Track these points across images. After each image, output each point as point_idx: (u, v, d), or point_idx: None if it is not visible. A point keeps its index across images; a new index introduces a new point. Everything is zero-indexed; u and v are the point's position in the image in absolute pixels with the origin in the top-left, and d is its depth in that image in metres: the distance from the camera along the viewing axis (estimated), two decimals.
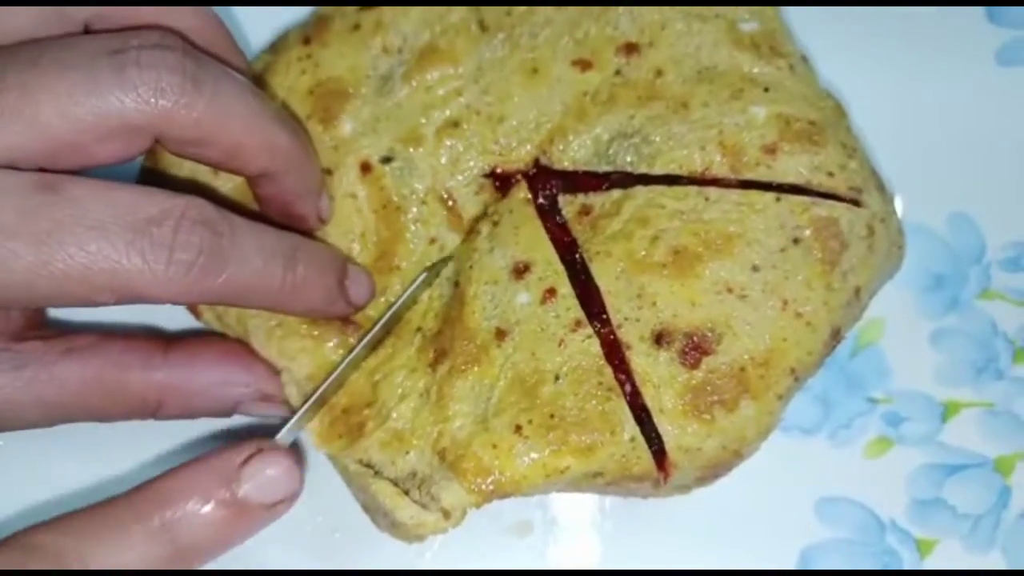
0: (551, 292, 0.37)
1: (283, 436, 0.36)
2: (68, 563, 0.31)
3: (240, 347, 0.39)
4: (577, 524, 0.40)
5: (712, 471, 0.36)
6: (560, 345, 0.36)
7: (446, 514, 0.35)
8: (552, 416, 0.35)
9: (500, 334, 0.37)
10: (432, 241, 0.39)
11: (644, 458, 0.35)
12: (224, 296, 0.34)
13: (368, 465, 0.37)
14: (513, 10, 0.41)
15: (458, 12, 0.41)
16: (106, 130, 0.32)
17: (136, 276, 0.32)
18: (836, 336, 0.37)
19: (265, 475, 0.34)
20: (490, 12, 0.41)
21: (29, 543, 0.32)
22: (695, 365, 0.36)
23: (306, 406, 0.37)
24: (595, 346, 0.36)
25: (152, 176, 0.40)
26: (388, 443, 0.37)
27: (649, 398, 0.36)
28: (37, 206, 0.31)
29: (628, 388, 0.36)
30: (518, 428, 0.35)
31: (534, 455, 0.35)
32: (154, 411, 0.38)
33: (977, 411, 0.40)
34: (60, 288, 0.31)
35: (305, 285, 0.36)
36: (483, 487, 0.35)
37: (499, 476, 0.35)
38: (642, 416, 0.36)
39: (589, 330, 0.36)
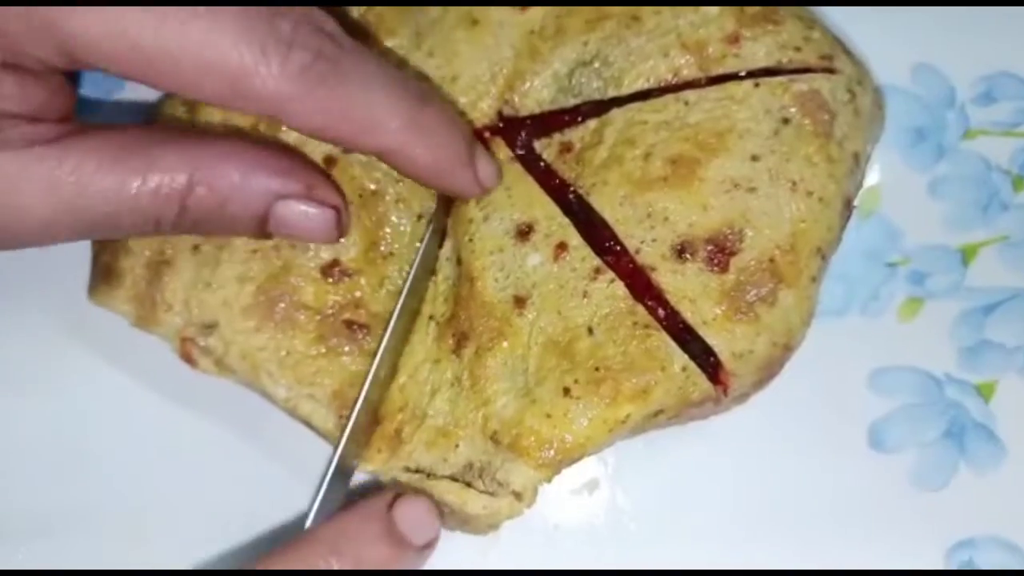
0: (562, 247, 0.35)
1: (337, 461, 0.34)
2: None
3: (283, 145, 0.35)
4: (639, 463, 0.38)
5: (768, 371, 0.35)
6: (584, 298, 0.35)
7: (518, 496, 0.33)
8: (597, 369, 0.34)
9: (519, 302, 0.35)
10: (419, 217, 0.37)
11: (700, 382, 0.34)
12: (336, 119, 0.31)
13: (418, 470, 0.35)
14: None
15: None
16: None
17: (250, 65, 0.29)
18: (848, 206, 0.37)
19: (414, 515, 0.33)
20: None
21: None
22: (724, 268, 0.34)
23: (353, 414, 0.34)
24: (620, 288, 0.35)
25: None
26: (433, 442, 0.35)
27: (689, 314, 0.34)
28: None
29: (664, 312, 0.34)
30: (566, 391, 0.34)
31: (591, 413, 0.33)
32: (184, 199, 0.31)
33: (994, 247, 0.39)
34: (170, 56, 0.29)
35: (432, 132, 0.32)
36: (550, 459, 0.33)
37: (562, 443, 0.33)
38: (686, 336, 0.34)
39: (610, 274, 0.35)
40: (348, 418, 0.34)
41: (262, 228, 0.33)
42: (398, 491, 0.34)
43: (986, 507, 0.37)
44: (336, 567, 0.31)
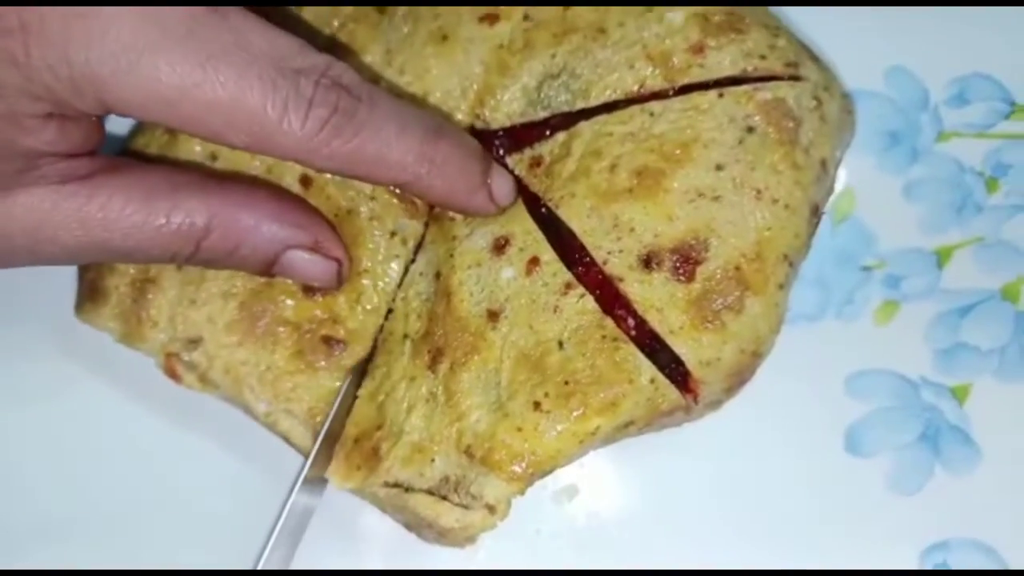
0: (534, 261, 0.36)
1: (308, 472, 0.35)
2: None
3: (296, 195, 0.37)
4: (618, 468, 0.39)
5: (737, 378, 0.35)
6: (555, 312, 0.35)
7: (491, 509, 0.34)
8: (567, 383, 0.34)
9: (492, 316, 0.35)
10: (393, 234, 0.38)
11: (669, 392, 0.34)
12: (352, 163, 0.33)
13: (396, 485, 0.35)
14: None
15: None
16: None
17: (273, 124, 0.32)
18: (816, 212, 0.37)
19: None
20: None
21: None
22: (690, 278, 0.35)
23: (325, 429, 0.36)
24: (590, 303, 0.35)
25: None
26: (409, 458, 0.35)
27: (656, 323, 0.34)
28: (204, 25, 0.31)
29: (632, 323, 0.35)
30: (537, 405, 0.34)
31: (560, 426, 0.34)
32: (199, 240, 0.34)
33: (969, 249, 0.39)
34: (199, 115, 0.31)
35: (445, 163, 0.34)
36: (521, 473, 0.34)
37: (533, 457, 0.34)
38: (655, 346, 0.34)
39: (580, 289, 0.35)
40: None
41: (268, 270, 0.36)
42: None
43: (961, 510, 0.37)
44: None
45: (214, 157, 0.38)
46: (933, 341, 0.39)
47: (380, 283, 0.38)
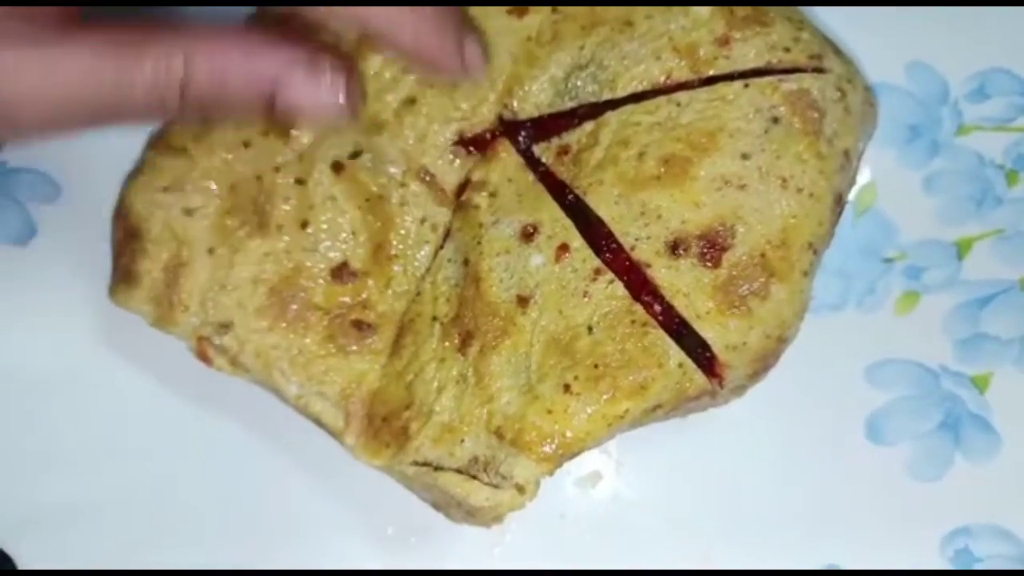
0: (564, 248, 0.36)
1: None
2: None
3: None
4: (642, 455, 0.39)
5: (762, 363, 0.36)
6: (585, 297, 0.36)
7: (520, 489, 0.34)
8: (596, 366, 0.35)
9: (522, 301, 0.36)
10: (423, 221, 0.39)
11: (696, 377, 0.35)
12: None
13: (425, 463, 0.36)
14: None
15: None
16: None
17: None
18: (839, 202, 0.37)
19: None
20: None
21: None
22: (717, 263, 0.35)
23: None
24: (619, 288, 0.36)
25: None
26: (439, 438, 0.36)
27: (683, 308, 0.35)
28: None
29: (660, 308, 0.35)
30: (567, 387, 0.35)
31: (590, 409, 0.34)
32: (181, 88, 0.31)
33: (989, 241, 0.40)
34: None
35: (421, 12, 0.31)
36: (551, 453, 0.34)
37: (563, 438, 0.34)
38: (682, 331, 0.35)
39: (610, 275, 0.36)
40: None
41: (270, 109, 0.32)
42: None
43: (982, 496, 0.38)
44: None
45: (246, 144, 0.39)
46: (953, 331, 0.39)
47: (410, 268, 0.39)
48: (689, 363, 0.35)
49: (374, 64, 0.39)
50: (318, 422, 0.38)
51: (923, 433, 0.38)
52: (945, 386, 0.39)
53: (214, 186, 0.39)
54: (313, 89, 0.31)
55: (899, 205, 0.41)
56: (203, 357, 0.39)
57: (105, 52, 0.31)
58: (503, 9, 0.39)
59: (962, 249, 0.40)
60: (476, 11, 0.39)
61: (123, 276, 0.40)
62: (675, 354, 0.35)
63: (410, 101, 0.39)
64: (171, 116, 0.32)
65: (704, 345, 0.35)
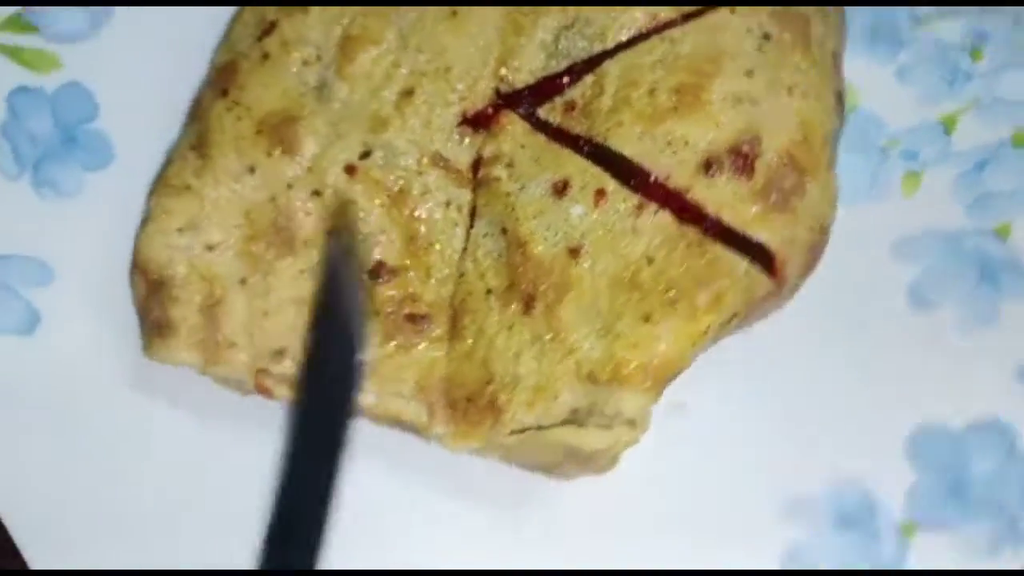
0: (600, 193, 0.37)
1: None
2: None
3: None
4: (720, 379, 0.40)
5: (812, 255, 0.37)
6: (635, 233, 0.36)
7: (632, 423, 0.35)
8: (668, 291, 0.35)
9: (573, 252, 0.36)
10: (447, 204, 0.39)
11: (761, 279, 0.36)
12: None
13: (525, 429, 0.36)
14: None
15: None
16: None
17: None
18: (840, 99, 0.39)
19: None
20: None
21: None
22: (751, 173, 0.36)
23: None
24: (666, 216, 0.36)
25: None
26: (532, 400, 0.36)
27: (731, 219, 0.36)
28: None
29: (710, 225, 0.36)
30: (646, 317, 0.35)
31: (674, 332, 0.35)
32: None
33: (970, 113, 0.42)
34: None
35: None
36: (651, 382, 0.35)
37: (657, 366, 0.35)
38: (735, 239, 0.36)
39: (653, 206, 0.36)
40: None
41: None
42: None
43: None
44: None
45: (251, 169, 0.39)
46: (961, 198, 0.41)
47: (446, 252, 0.38)
48: (752, 267, 0.36)
49: (363, 64, 0.39)
50: (398, 423, 0.38)
51: (965, 290, 0.40)
52: (969, 244, 0.41)
53: (230, 217, 0.39)
54: None
55: (880, 100, 0.43)
56: (263, 391, 0.38)
57: None
58: None
59: (948, 125, 0.42)
60: None
61: (157, 330, 0.38)
62: (738, 262, 0.36)
63: (407, 92, 0.39)
64: None
65: (760, 247, 0.36)
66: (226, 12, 0.42)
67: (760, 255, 0.36)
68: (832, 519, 0.39)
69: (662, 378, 0.35)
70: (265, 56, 0.40)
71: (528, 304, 0.36)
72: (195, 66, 0.42)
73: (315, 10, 0.40)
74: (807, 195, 0.37)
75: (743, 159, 0.36)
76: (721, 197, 0.36)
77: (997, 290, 0.40)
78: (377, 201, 0.39)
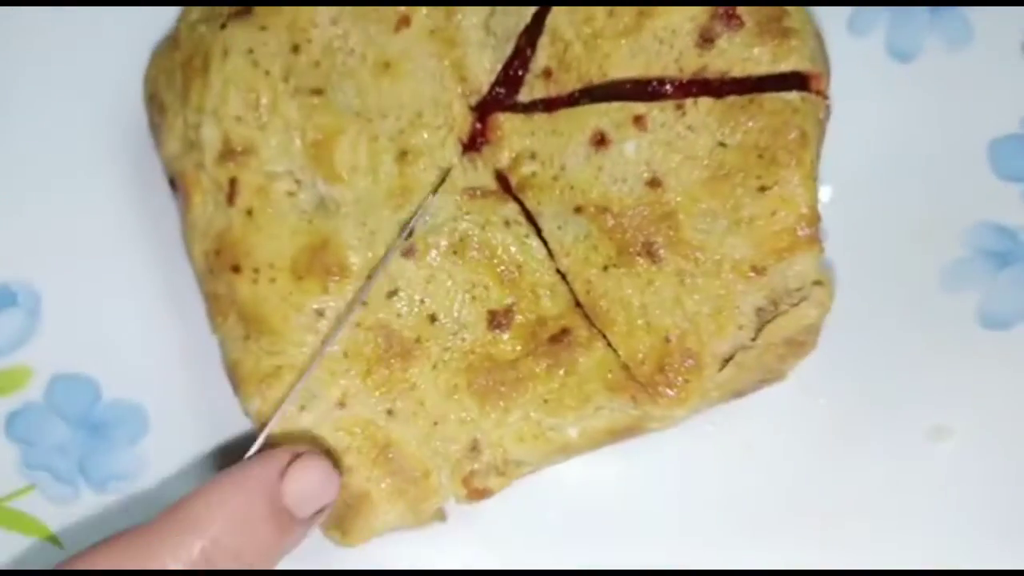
0: (637, 120, 0.37)
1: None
2: None
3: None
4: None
5: (821, 51, 0.39)
6: (691, 131, 0.36)
7: (819, 283, 0.35)
8: (760, 156, 0.35)
9: (654, 184, 0.36)
10: (507, 224, 0.38)
11: (811, 97, 0.37)
12: None
13: (728, 360, 0.36)
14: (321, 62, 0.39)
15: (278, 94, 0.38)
16: None
17: None
18: None
19: (307, 483, 0.31)
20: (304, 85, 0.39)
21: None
22: (739, 20, 0.36)
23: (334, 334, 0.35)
24: (705, 102, 0.36)
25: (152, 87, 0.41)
26: (718, 330, 0.35)
27: (754, 68, 0.36)
28: None
29: (741, 84, 0.36)
30: (761, 189, 0.35)
31: (794, 181, 0.35)
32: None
33: None
34: None
35: None
36: (809, 233, 0.35)
37: (806, 214, 0.35)
38: (769, 82, 0.37)
39: (689, 101, 0.36)
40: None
41: None
42: (293, 452, 0.32)
43: None
44: (205, 555, 0.29)
45: (321, 313, 0.36)
46: None
47: (537, 268, 0.37)
48: (800, 94, 0.36)
49: (344, 158, 0.38)
50: (615, 434, 0.36)
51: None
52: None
53: (334, 368, 0.36)
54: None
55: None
56: (479, 494, 0.36)
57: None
58: (389, 30, 0.38)
59: None
60: (370, 51, 0.38)
61: (347, 512, 0.35)
62: (790, 97, 0.36)
63: (402, 155, 0.38)
64: None
65: (792, 75, 0.36)
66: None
67: (797, 81, 0.37)
68: None
69: (815, 224, 0.35)
70: (249, 212, 0.37)
71: (651, 253, 0.36)
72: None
73: (261, 143, 0.38)
74: (791, 15, 0.37)
75: (727, 14, 0.37)
76: (733, 56, 0.37)
77: None
78: (448, 262, 0.37)
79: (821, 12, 0.40)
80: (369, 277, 0.37)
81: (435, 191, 0.37)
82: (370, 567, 0.38)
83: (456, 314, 0.37)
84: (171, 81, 0.40)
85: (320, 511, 0.32)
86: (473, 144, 0.39)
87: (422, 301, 0.37)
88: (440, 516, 0.38)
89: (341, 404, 0.36)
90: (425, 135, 0.38)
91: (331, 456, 0.34)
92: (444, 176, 0.38)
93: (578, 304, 0.37)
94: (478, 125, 0.39)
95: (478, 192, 0.38)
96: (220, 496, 0.30)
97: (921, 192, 0.41)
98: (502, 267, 0.37)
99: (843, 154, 0.40)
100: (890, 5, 0.42)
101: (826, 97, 0.37)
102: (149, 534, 0.29)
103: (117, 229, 0.42)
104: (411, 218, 0.37)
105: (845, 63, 0.39)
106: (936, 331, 0.40)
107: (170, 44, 0.41)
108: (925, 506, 0.39)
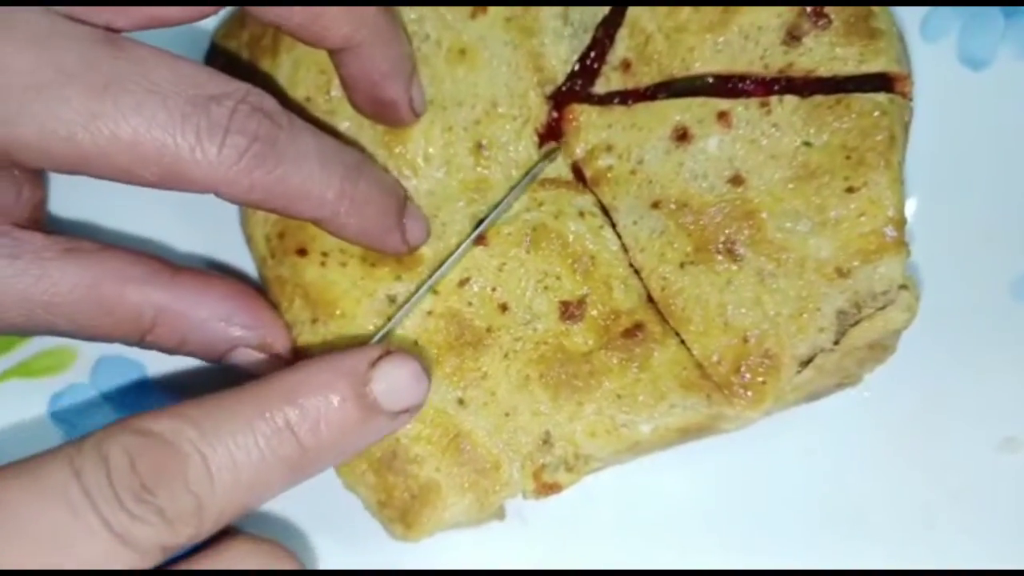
0: (721, 116, 0.36)
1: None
2: (186, 454, 0.29)
3: (252, 291, 0.37)
4: None
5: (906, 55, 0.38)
6: (777, 129, 0.36)
7: (905, 286, 0.35)
8: (848, 157, 0.35)
9: (737, 181, 0.36)
10: (581, 215, 0.37)
11: (898, 99, 0.36)
12: (273, 196, 0.32)
13: (807, 362, 0.35)
14: None
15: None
16: None
17: (185, 153, 0.30)
18: None
19: (395, 378, 0.32)
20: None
21: (144, 428, 0.29)
22: (827, 18, 0.36)
23: (405, 309, 0.35)
24: (791, 100, 0.36)
25: (220, 56, 0.39)
26: (798, 331, 0.35)
27: (841, 68, 0.36)
28: (100, 57, 0.30)
29: (828, 84, 0.36)
30: (848, 190, 0.35)
31: (879, 182, 0.35)
32: (143, 334, 0.34)
33: None
34: (103, 149, 0.30)
35: (364, 203, 0.33)
36: (896, 235, 0.35)
37: (893, 217, 0.35)
38: (854, 83, 0.36)
39: (774, 99, 0.36)
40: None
41: (218, 361, 0.36)
42: (387, 348, 0.33)
43: None
44: (287, 422, 0.30)
45: (392, 300, 0.36)
46: None
47: (612, 259, 0.37)
48: (887, 95, 0.36)
49: (417, 148, 0.37)
50: (687, 433, 0.36)
51: None
52: None
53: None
54: (258, 364, 0.36)
55: None
56: (549, 490, 0.35)
57: (82, 290, 0.33)
58: (466, 17, 0.38)
59: None
60: (445, 36, 0.38)
61: (413, 503, 0.35)
62: (879, 98, 0.36)
63: (477, 147, 0.38)
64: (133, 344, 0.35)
65: (878, 76, 0.36)
66: None
67: (883, 82, 0.36)
68: None
69: (902, 227, 0.34)
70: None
71: (731, 251, 0.35)
72: None
73: (330, 128, 0.37)
74: (877, 16, 0.37)
75: (815, 12, 0.36)
76: (819, 55, 0.36)
77: None
78: (521, 250, 0.36)
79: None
80: (440, 265, 0.36)
81: (512, 190, 0.37)
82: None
83: (528, 304, 0.36)
84: (236, 61, 0.39)
85: (405, 412, 0.32)
86: (550, 135, 0.38)
87: (493, 290, 0.36)
88: (500, 514, 0.37)
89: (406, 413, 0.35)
90: (505, 126, 0.37)
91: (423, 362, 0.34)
92: (528, 177, 0.37)
93: (651, 298, 0.36)
94: (555, 115, 0.38)
95: (553, 182, 0.37)
96: (308, 372, 0.31)
97: (991, 201, 0.41)
98: (575, 258, 0.36)
99: (913, 161, 0.39)
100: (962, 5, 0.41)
101: (911, 99, 0.37)
102: (237, 400, 0.30)
103: (167, 209, 0.41)
104: (486, 216, 0.36)
105: (917, 69, 0.39)
106: (1007, 341, 0.39)
107: (235, 22, 0.40)
108: (992, 518, 0.39)
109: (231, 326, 0.35)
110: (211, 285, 0.35)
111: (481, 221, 0.36)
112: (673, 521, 0.39)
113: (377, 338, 0.35)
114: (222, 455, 0.29)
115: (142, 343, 0.35)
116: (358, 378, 0.31)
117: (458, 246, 0.36)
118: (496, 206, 0.36)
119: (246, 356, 0.36)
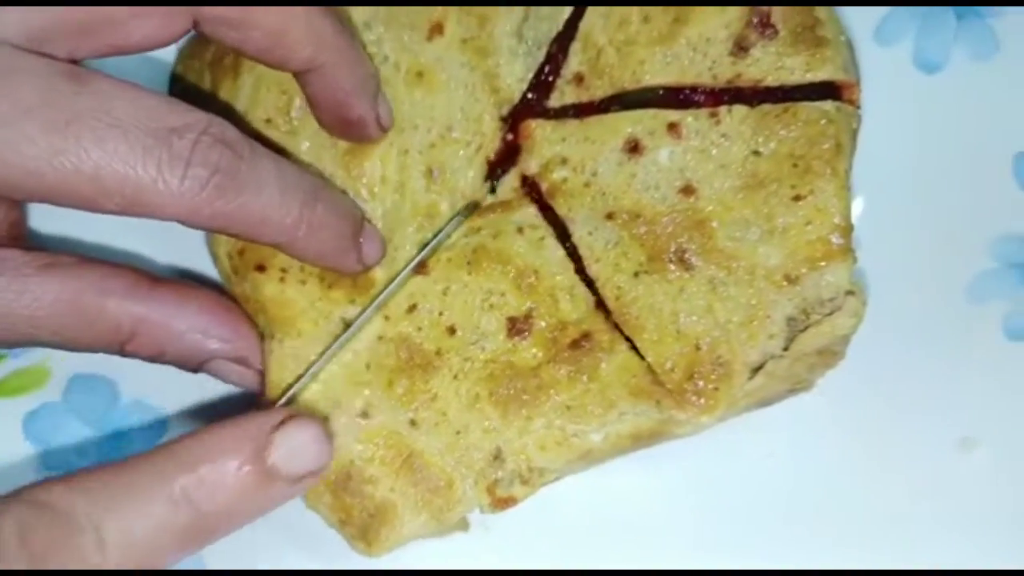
0: (672, 127, 0.36)
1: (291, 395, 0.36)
2: (79, 527, 0.28)
3: (230, 304, 0.37)
4: None
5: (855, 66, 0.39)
6: (726, 139, 0.36)
7: (852, 292, 0.35)
8: (795, 165, 0.35)
9: (687, 191, 0.36)
10: (520, 230, 0.38)
11: (844, 107, 0.37)
12: (234, 223, 0.32)
13: (758, 368, 0.36)
14: None
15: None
16: None
17: (148, 185, 0.31)
18: None
19: (296, 442, 0.32)
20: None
21: (38, 500, 0.29)
22: (773, 28, 0.37)
23: (327, 357, 0.36)
24: (740, 109, 0.36)
25: (180, 85, 0.40)
26: (751, 335, 0.35)
27: (788, 77, 0.37)
28: (61, 93, 0.30)
29: (775, 93, 0.37)
30: (795, 198, 0.35)
31: (827, 190, 0.35)
32: (123, 344, 0.35)
33: None
34: (68, 183, 0.30)
35: (321, 227, 0.34)
36: (842, 243, 0.35)
37: (839, 224, 0.35)
38: (803, 92, 0.37)
39: (723, 108, 0.36)
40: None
41: (195, 371, 0.37)
42: (291, 412, 0.33)
43: None
44: (184, 490, 0.30)
45: (347, 325, 0.36)
46: None
47: (555, 269, 0.37)
48: (835, 103, 0.36)
49: (374, 169, 0.38)
50: (640, 439, 0.36)
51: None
52: None
53: (356, 379, 0.36)
54: (235, 377, 0.37)
55: None
56: (504, 504, 0.36)
57: (63, 305, 0.34)
58: (422, 38, 0.38)
59: None
60: (403, 59, 0.38)
61: (371, 521, 0.36)
62: (826, 106, 0.36)
63: (429, 172, 0.38)
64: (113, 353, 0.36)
65: (825, 84, 0.37)
66: None
67: (830, 90, 0.37)
68: None
69: (848, 235, 0.35)
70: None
71: (683, 260, 0.36)
72: None
73: (291, 148, 0.38)
74: (823, 23, 0.37)
75: (762, 23, 0.37)
76: (767, 65, 0.37)
77: None
78: (463, 273, 0.37)
79: (847, 22, 0.40)
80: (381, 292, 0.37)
81: (453, 219, 0.37)
82: (370, 567, 0.38)
83: (476, 324, 0.37)
84: (199, 80, 0.40)
85: (307, 476, 0.32)
86: (503, 159, 0.38)
87: (440, 314, 0.37)
88: (463, 526, 0.38)
89: (364, 414, 0.36)
90: (458, 152, 0.38)
91: (326, 427, 0.35)
92: (469, 210, 0.38)
93: (599, 306, 0.37)
94: (509, 136, 0.38)
95: (489, 208, 0.38)
96: (210, 437, 0.31)
97: (947, 204, 0.41)
98: (518, 273, 0.37)
99: (868, 165, 0.40)
100: (916, 5, 0.42)
101: (858, 107, 0.37)
102: (132, 468, 0.30)
103: (136, 228, 0.42)
104: (427, 244, 0.37)
105: (871, 74, 0.40)
106: (962, 343, 0.40)
107: (199, 41, 0.40)
108: (951, 518, 0.39)
109: (208, 339, 0.36)
110: (189, 297, 0.36)
111: (420, 250, 0.37)
112: (636, 523, 0.40)
113: (286, 397, 0.35)
114: (117, 527, 0.29)
115: (122, 353, 0.36)
116: (258, 443, 0.31)
117: (397, 275, 0.37)
118: (426, 245, 0.37)
119: (222, 368, 0.37)
